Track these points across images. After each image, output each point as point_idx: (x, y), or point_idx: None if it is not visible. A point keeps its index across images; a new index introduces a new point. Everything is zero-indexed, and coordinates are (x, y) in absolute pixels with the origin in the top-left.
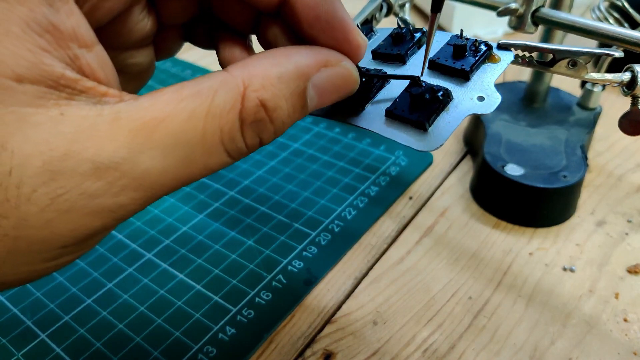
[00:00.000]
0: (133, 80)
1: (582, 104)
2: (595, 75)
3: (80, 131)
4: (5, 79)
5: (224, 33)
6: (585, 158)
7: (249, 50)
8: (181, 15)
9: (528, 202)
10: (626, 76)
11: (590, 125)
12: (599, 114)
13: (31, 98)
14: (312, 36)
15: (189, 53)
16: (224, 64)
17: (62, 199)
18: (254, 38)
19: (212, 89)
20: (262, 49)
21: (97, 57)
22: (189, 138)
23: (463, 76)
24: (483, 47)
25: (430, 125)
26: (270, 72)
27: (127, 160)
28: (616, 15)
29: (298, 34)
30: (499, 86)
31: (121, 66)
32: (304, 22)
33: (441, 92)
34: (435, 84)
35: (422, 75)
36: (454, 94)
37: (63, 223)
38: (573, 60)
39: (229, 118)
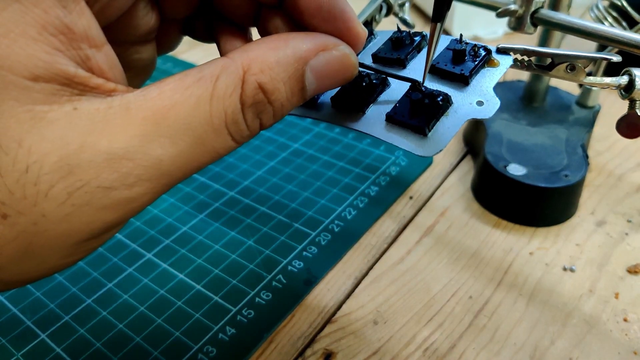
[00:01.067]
0: (137, 76)
1: (581, 102)
2: (593, 79)
3: (93, 123)
4: (21, 78)
5: (224, 26)
6: (586, 157)
7: (249, 42)
8: (183, 9)
9: (530, 201)
10: (624, 80)
11: (589, 123)
12: (597, 112)
13: (46, 95)
14: (314, 26)
15: (190, 53)
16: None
17: (79, 192)
18: (254, 31)
19: (213, 74)
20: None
21: (105, 57)
22: (198, 123)
23: (462, 81)
24: (482, 52)
25: (430, 131)
26: (268, 56)
27: (139, 149)
28: (614, 14)
29: (299, 24)
30: (498, 85)
31: (127, 62)
32: (306, 12)
33: (441, 97)
34: (435, 88)
35: (423, 83)
36: (453, 98)
37: (80, 217)
38: (572, 64)
39: (231, 101)
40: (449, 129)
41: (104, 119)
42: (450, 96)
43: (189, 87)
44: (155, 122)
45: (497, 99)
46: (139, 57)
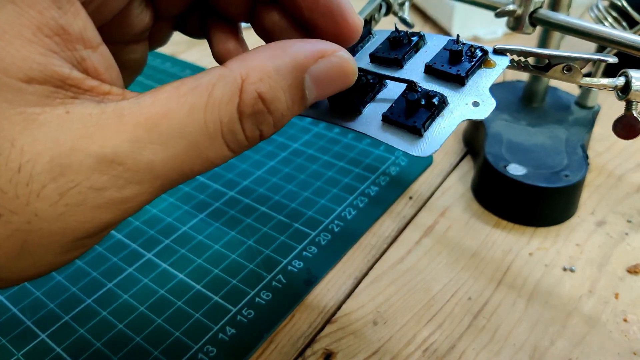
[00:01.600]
0: (130, 74)
1: (580, 102)
2: (590, 80)
3: (85, 127)
4: (15, 80)
5: (216, 22)
6: (586, 157)
7: (241, 40)
8: (178, 6)
9: (530, 201)
10: (620, 81)
11: (589, 124)
12: (597, 112)
13: (39, 98)
14: (312, 19)
15: (189, 53)
16: (218, 55)
17: (71, 192)
18: (251, 31)
19: (210, 83)
20: (256, 36)
21: (101, 57)
22: (191, 131)
23: (458, 81)
24: (479, 53)
25: (425, 131)
26: (267, 65)
27: (129, 154)
28: (614, 14)
29: (296, 18)
30: (498, 86)
31: (122, 62)
32: (304, 5)
33: (437, 98)
34: (431, 89)
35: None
36: (449, 99)
37: (74, 216)
38: (568, 65)
39: (227, 110)
40: (445, 130)
41: (96, 123)
42: (446, 97)
43: (183, 95)
44: (148, 129)
45: (493, 99)
46: (133, 57)
